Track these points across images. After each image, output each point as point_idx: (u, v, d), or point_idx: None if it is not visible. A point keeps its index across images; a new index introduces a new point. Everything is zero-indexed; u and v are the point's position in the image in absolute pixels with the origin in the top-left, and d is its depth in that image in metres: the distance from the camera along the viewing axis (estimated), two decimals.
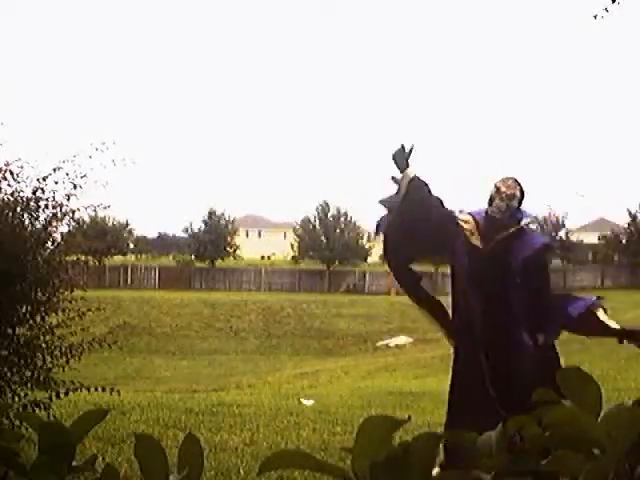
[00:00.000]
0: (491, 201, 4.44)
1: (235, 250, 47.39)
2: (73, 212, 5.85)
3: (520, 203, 4.47)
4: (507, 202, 4.39)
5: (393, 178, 4.46)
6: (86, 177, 5.77)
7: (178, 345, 25.22)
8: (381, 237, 4.72)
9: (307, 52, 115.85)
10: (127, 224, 48.63)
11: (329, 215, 47.98)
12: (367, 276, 43.54)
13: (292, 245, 49.17)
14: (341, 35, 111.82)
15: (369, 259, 49.02)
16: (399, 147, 4.40)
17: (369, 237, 45.51)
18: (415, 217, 4.43)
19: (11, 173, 5.58)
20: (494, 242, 4.39)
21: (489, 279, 4.36)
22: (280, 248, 61.18)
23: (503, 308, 4.32)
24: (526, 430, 0.91)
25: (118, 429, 6.09)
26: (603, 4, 9.69)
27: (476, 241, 4.41)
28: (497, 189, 4.41)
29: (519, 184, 4.47)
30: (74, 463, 0.95)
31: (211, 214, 47.65)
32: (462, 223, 4.45)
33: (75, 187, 5.74)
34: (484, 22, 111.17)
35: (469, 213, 4.57)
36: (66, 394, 5.36)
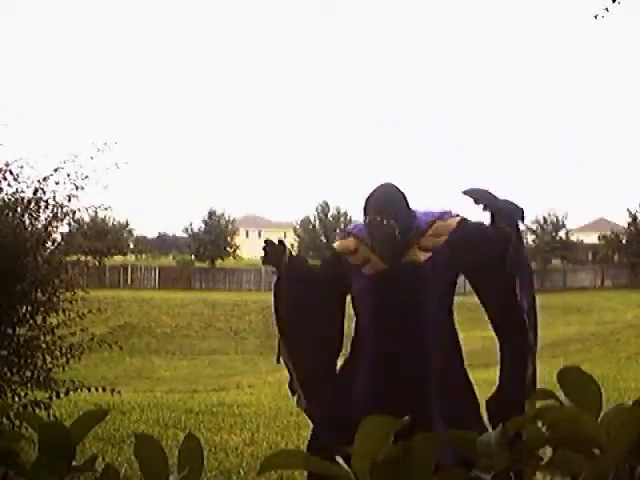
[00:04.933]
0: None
1: (235, 250, 47.38)
2: (74, 212, 5.86)
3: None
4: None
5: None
6: (87, 178, 5.78)
7: (178, 345, 25.19)
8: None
9: (307, 52, 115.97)
10: (127, 224, 48.64)
11: (329, 215, 48.02)
12: None
13: (292, 245, 49.15)
14: (341, 35, 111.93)
15: None
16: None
17: None
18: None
19: (11, 173, 5.58)
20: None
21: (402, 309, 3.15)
22: None
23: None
24: (526, 430, 0.91)
25: (118, 429, 6.09)
26: (603, 4, 9.70)
27: (374, 268, 3.23)
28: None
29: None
30: (74, 463, 0.95)
31: (211, 214, 47.67)
32: (350, 260, 3.27)
33: (76, 188, 5.75)
34: (484, 22, 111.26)
35: (349, 233, 3.40)
36: (66, 394, 5.37)
